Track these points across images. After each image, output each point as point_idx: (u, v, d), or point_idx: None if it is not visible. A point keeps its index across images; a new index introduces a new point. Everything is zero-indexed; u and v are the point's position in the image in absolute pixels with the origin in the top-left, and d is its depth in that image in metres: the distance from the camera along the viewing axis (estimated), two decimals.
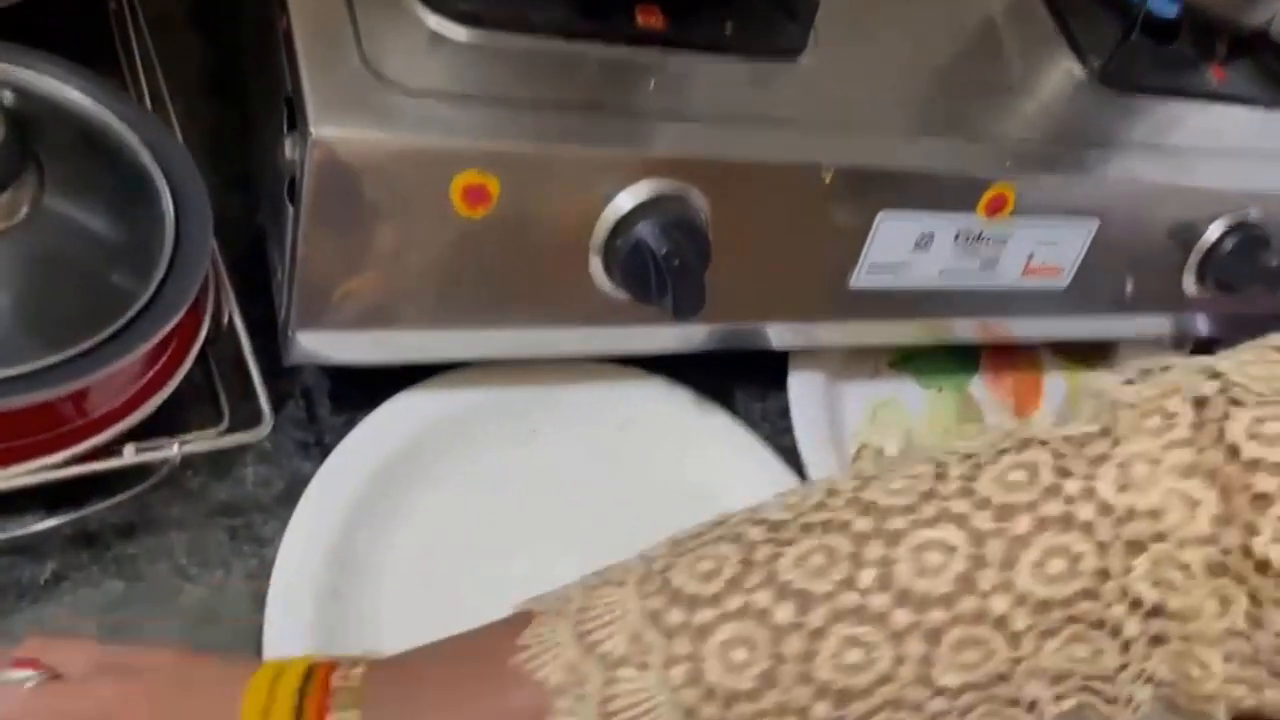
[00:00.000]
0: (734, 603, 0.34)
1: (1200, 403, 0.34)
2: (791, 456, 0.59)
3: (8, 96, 0.41)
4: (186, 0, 0.60)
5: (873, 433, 0.63)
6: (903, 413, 0.65)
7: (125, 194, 0.44)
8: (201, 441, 0.44)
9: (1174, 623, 0.33)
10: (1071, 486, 0.34)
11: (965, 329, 0.61)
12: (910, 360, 0.66)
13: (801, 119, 0.50)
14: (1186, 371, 0.36)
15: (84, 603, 0.45)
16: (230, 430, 0.46)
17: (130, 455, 0.42)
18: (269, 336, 0.48)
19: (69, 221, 0.42)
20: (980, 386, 0.68)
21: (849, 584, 0.34)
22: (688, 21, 0.49)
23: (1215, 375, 0.34)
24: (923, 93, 0.55)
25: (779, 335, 0.57)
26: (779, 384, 0.62)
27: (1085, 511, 0.33)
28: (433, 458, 0.52)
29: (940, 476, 0.35)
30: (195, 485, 0.49)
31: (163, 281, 0.43)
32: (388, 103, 0.42)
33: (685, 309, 0.47)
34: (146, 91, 0.51)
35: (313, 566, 0.46)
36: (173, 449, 0.43)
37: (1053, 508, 0.33)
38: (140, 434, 0.45)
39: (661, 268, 0.46)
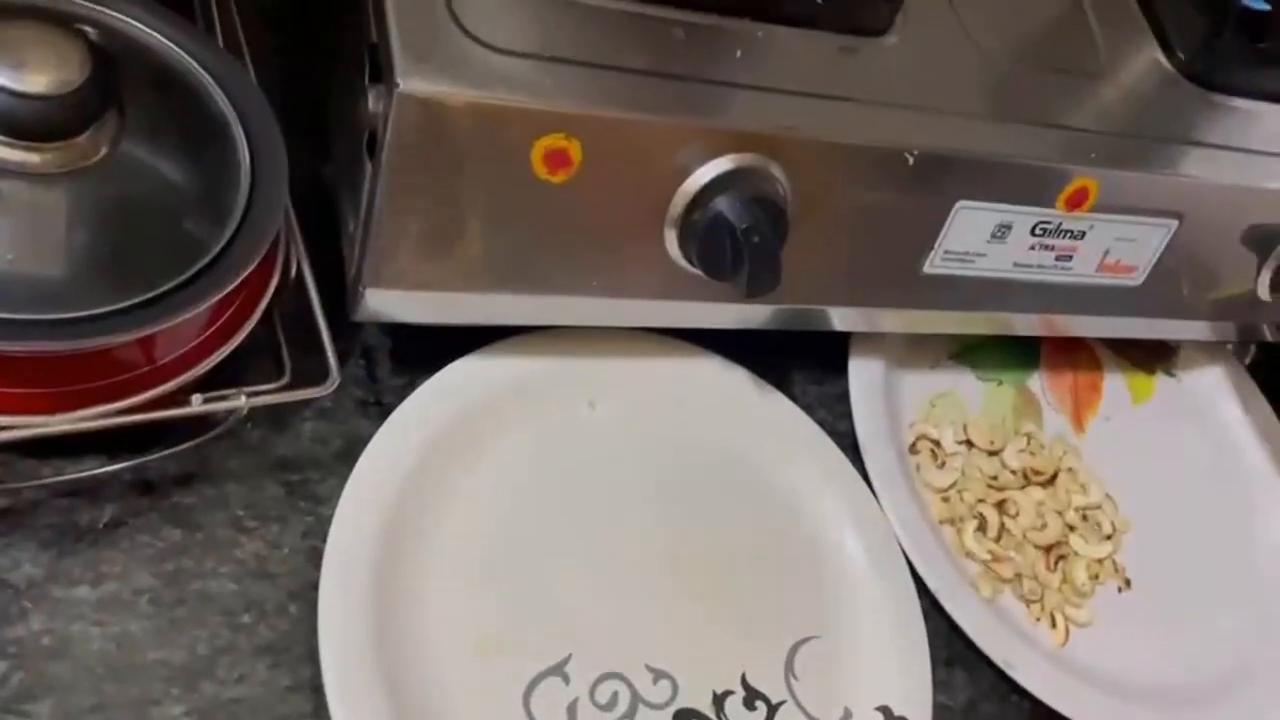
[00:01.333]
0: None
1: None
2: (847, 441, 0.58)
3: (91, 34, 0.40)
4: None
5: (930, 423, 0.62)
6: (960, 405, 0.63)
7: (202, 139, 0.43)
8: (267, 394, 0.44)
9: None
10: None
11: (1033, 323, 0.60)
12: (970, 353, 0.65)
13: (886, 99, 0.49)
14: None
15: (140, 549, 0.44)
16: (293, 385, 0.45)
17: (198, 405, 0.42)
18: (332, 291, 0.47)
19: (146, 165, 0.41)
20: (1039, 383, 0.66)
21: None
22: None
23: None
24: (1008, 78, 0.53)
25: (844, 318, 0.56)
26: (838, 369, 0.61)
27: None
28: (491, 423, 0.51)
29: None
30: (254, 439, 0.48)
31: (236, 231, 0.42)
32: (475, 59, 0.41)
33: (760, 287, 0.46)
34: (220, 32, 0.50)
35: (369, 529, 0.46)
36: (239, 400, 0.43)
37: None
38: (201, 385, 0.44)
39: (739, 243, 0.45)
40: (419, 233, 0.43)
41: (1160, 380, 0.70)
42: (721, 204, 0.45)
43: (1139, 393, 0.69)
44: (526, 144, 0.42)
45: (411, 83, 0.39)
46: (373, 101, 0.41)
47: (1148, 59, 0.59)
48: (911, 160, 0.48)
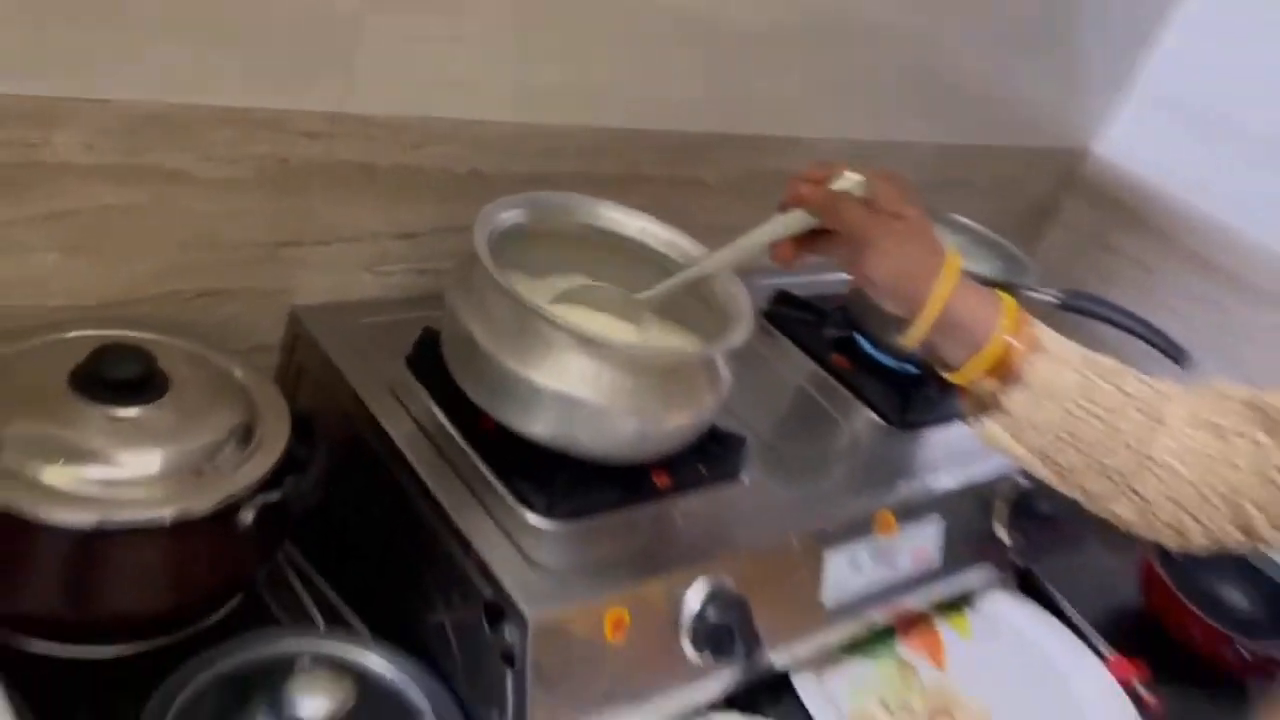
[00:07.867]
0: None
1: None
2: None
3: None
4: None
5: (862, 705, 0.86)
6: (869, 686, 0.89)
7: None
8: None
9: None
10: None
11: (886, 614, 0.89)
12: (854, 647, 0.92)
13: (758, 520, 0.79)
14: None
15: None
16: None
17: None
18: None
19: None
20: (904, 649, 0.94)
21: None
22: (680, 475, 0.77)
23: None
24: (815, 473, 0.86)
25: (782, 657, 0.81)
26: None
27: None
28: None
29: None
30: None
31: None
32: (552, 583, 0.66)
33: (753, 654, 0.71)
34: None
35: None
36: None
37: None
38: None
39: (732, 631, 0.70)
40: (559, 703, 0.65)
41: (969, 612, 1.00)
42: (710, 613, 0.71)
43: (961, 628, 0.98)
44: (600, 619, 0.66)
45: (537, 614, 0.63)
46: (508, 634, 0.64)
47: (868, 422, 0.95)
48: (796, 542, 0.77)
